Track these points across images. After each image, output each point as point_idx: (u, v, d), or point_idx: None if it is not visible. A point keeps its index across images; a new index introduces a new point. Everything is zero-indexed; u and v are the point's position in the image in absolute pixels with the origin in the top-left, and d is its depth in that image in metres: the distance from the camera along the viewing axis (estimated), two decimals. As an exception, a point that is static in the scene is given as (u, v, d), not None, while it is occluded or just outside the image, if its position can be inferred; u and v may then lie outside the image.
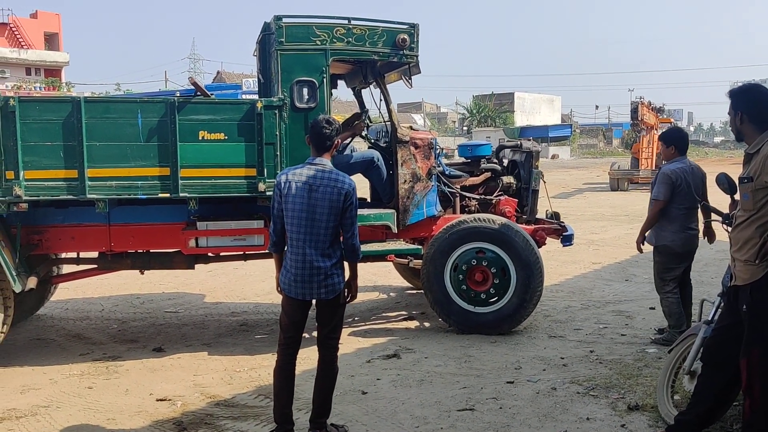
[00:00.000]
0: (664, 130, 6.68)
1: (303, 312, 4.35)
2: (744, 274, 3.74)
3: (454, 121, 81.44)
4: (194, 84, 6.54)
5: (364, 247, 6.62)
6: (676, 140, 6.25)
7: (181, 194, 5.96)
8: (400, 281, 9.57)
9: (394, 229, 6.78)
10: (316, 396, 4.35)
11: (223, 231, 6.36)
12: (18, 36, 51.61)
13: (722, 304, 4.27)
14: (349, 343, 6.49)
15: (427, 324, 7.40)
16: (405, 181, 6.81)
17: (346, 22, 6.40)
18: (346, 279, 4.36)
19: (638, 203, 18.77)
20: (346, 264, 4.37)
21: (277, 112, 6.13)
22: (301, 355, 4.49)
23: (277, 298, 8.36)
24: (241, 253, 6.91)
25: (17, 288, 5.94)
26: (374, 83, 7.27)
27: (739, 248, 3.77)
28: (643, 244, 6.28)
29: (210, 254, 6.84)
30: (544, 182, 7.75)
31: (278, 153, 6.12)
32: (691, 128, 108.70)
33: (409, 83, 6.96)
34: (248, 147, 6.07)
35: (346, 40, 6.38)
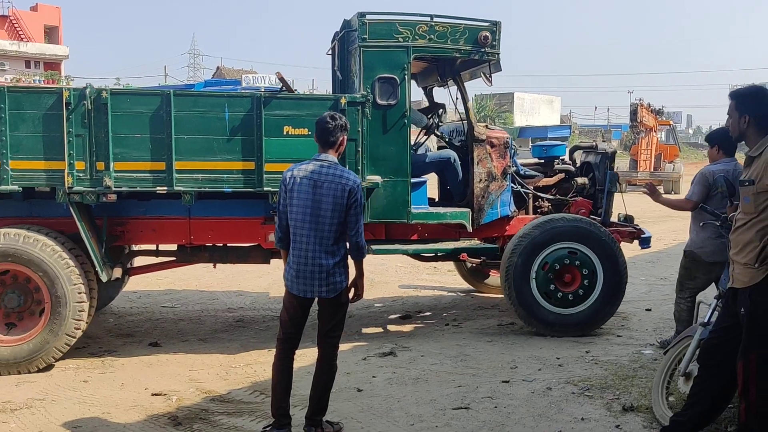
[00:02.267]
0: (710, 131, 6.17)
1: (303, 309, 4.33)
2: (743, 277, 3.73)
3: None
4: (281, 79, 6.52)
5: (442, 245, 6.84)
6: (720, 140, 5.70)
7: (265, 188, 5.99)
8: (397, 279, 9.58)
9: (469, 228, 6.75)
10: (314, 393, 4.34)
11: None
12: (18, 29, 51.48)
13: (719, 306, 4.27)
14: (345, 341, 6.43)
15: (423, 322, 7.40)
16: (480, 180, 6.78)
17: (428, 19, 6.42)
18: (349, 278, 4.32)
19: (636, 205, 18.76)
20: (352, 263, 4.33)
21: (359, 108, 6.17)
22: (299, 351, 4.49)
23: (274, 294, 8.41)
24: None
25: (104, 278, 6.04)
26: (451, 81, 7.23)
27: (738, 251, 3.76)
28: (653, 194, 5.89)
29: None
30: (620, 184, 7.61)
31: (359, 149, 6.16)
32: (690, 131, 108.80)
33: (489, 81, 6.96)
34: None
35: (428, 37, 6.39)
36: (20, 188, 5.75)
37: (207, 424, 4.64)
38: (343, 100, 6.09)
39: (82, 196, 5.81)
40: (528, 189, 7.32)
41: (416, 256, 7.39)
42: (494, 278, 8.45)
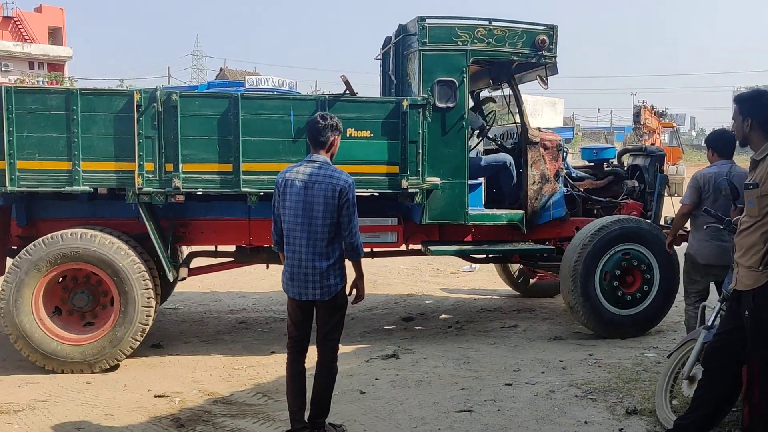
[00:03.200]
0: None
1: (304, 312, 4.28)
2: (747, 279, 3.72)
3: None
4: (345, 82, 6.61)
5: (500, 246, 6.90)
6: (713, 142, 5.70)
7: None
8: (400, 281, 9.58)
9: (524, 230, 6.80)
10: (315, 396, 4.31)
11: (360, 228, 6.41)
12: (22, 30, 51.60)
13: (723, 309, 4.26)
14: (348, 343, 6.48)
15: (426, 325, 7.39)
16: (534, 182, 6.85)
17: (486, 23, 6.51)
18: (346, 280, 4.28)
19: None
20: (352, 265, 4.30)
21: (420, 111, 6.22)
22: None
23: (277, 296, 8.40)
24: (369, 250, 6.91)
25: (171, 277, 6.17)
26: (505, 84, 7.31)
27: (743, 254, 3.76)
28: (671, 249, 5.94)
29: None
30: (668, 187, 7.63)
31: (420, 151, 6.22)
32: (693, 133, 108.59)
33: (545, 84, 7.03)
34: (392, 145, 6.17)
35: (486, 40, 6.48)
36: (91, 189, 5.84)
37: (210, 426, 4.64)
38: (405, 103, 6.16)
39: (151, 196, 5.88)
40: (579, 191, 7.36)
41: (466, 256, 7.50)
42: (540, 282, 8.62)
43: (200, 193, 6.17)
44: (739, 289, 3.79)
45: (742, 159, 6.79)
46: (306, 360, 4.36)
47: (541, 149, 6.87)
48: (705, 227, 5.30)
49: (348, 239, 4.19)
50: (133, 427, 4.64)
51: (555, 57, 6.72)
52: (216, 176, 5.93)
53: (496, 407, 4.86)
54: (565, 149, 7.21)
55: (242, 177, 5.92)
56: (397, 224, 6.54)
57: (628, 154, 8.14)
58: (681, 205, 5.69)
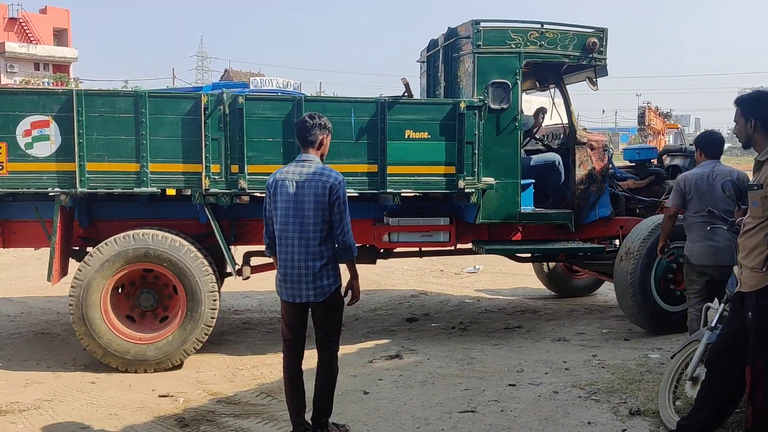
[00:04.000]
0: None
1: (298, 314, 4.24)
2: (750, 281, 3.72)
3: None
4: (406, 85, 6.79)
5: (551, 245, 6.98)
6: (700, 143, 5.80)
7: (388, 190, 6.16)
8: (403, 281, 9.58)
9: (572, 229, 6.87)
10: (316, 397, 4.30)
11: (414, 227, 6.62)
12: (27, 31, 51.78)
13: (726, 310, 4.26)
14: (351, 343, 6.50)
15: (429, 325, 7.40)
16: (581, 181, 6.94)
17: (539, 25, 6.64)
18: (340, 281, 4.24)
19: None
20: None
21: (477, 112, 6.32)
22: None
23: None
24: (417, 249, 7.19)
25: (235, 277, 6.35)
26: (554, 86, 7.43)
27: (746, 255, 3.76)
28: (663, 253, 5.87)
29: (387, 249, 7.02)
30: None
31: (476, 152, 6.32)
32: (698, 134, 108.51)
33: (595, 85, 7.13)
34: (449, 146, 6.27)
35: (539, 43, 6.61)
36: (159, 190, 5.92)
37: (213, 426, 4.65)
38: (462, 105, 6.25)
39: (217, 197, 5.95)
40: (625, 191, 7.43)
41: (512, 256, 7.66)
42: (579, 281, 8.79)
43: (251, 194, 6.20)
44: (742, 291, 3.79)
45: (745, 160, 6.75)
46: (303, 361, 4.35)
47: (588, 149, 6.97)
48: (709, 228, 5.30)
49: (340, 238, 4.15)
50: (137, 427, 4.65)
51: (605, 59, 6.85)
52: None
53: (500, 408, 4.86)
54: (611, 149, 7.30)
55: None
56: (449, 224, 6.66)
57: (667, 155, 8.25)
58: (666, 208, 5.76)
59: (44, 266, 10.35)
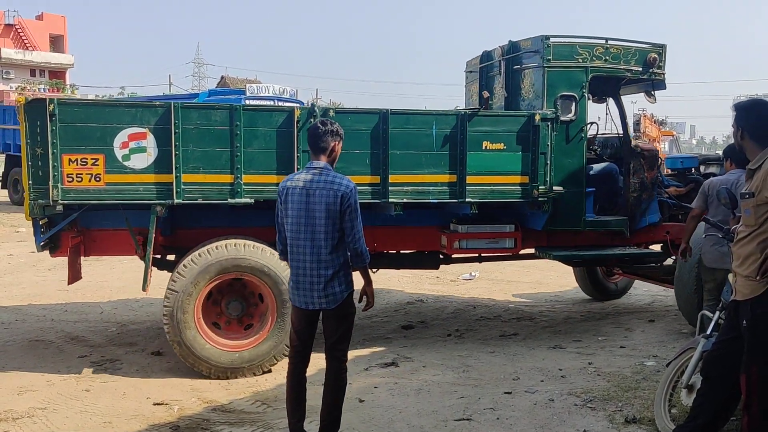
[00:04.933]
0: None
1: (308, 322, 4.23)
2: (745, 289, 3.73)
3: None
4: (486, 98, 7.10)
5: (612, 251, 7.25)
6: (729, 153, 5.96)
7: (467, 199, 6.36)
8: (400, 289, 9.57)
9: (628, 235, 7.11)
10: (324, 408, 4.25)
11: (482, 234, 6.84)
12: (23, 37, 51.80)
13: (722, 318, 4.27)
14: (347, 351, 6.47)
15: (425, 333, 7.39)
16: (634, 189, 7.21)
17: (604, 41, 6.95)
18: (352, 287, 4.24)
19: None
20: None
21: (549, 124, 6.58)
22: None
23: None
24: (476, 255, 7.46)
25: None
26: (611, 98, 7.66)
27: (740, 263, 3.77)
28: (686, 256, 5.93)
29: (446, 255, 7.25)
30: None
31: (548, 162, 6.56)
32: (694, 141, 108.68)
33: (653, 99, 7.41)
34: (524, 156, 6.52)
35: (604, 58, 6.92)
36: (253, 201, 5.98)
37: (208, 434, 4.63)
38: (537, 117, 6.50)
39: None
40: (670, 197, 7.64)
41: (568, 261, 7.87)
42: (614, 284, 9.07)
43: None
44: (737, 299, 3.80)
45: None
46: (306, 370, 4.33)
47: (641, 159, 7.24)
48: (704, 236, 5.46)
49: (352, 245, 4.14)
50: (131, 435, 4.63)
51: (664, 74, 7.17)
52: (365, 187, 6.15)
53: (495, 416, 4.86)
54: (660, 159, 7.59)
55: (390, 188, 6.19)
56: (515, 231, 6.87)
57: (705, 163, 8.53)
58: (690, 211, 6.02)
59: (39, 273, 10.35)
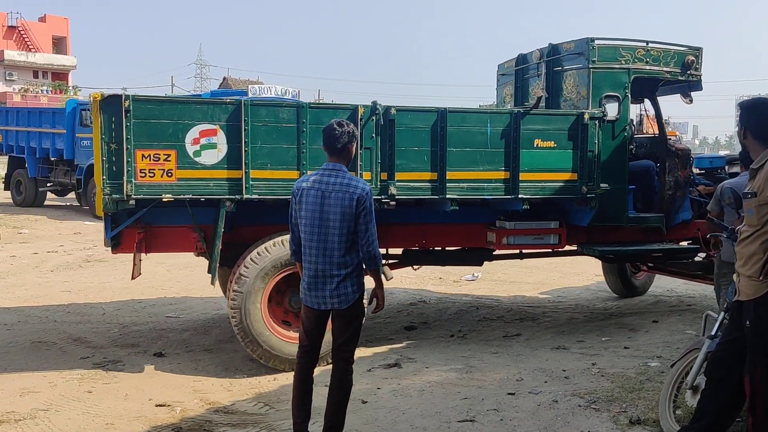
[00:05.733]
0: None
1: (318, 322, 4.25)
2: (748, 289, 3.71)
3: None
4: (539, 98, 7.27)
5: (649, 246, 7.45)
6: (744, 159, 5.96)
7: (520, 195, 6.53)
8: (402, 289, 9.55)
9: (665, 231, 7.35)
10: (328, 410, 4.24)
11: (529, 230, 7.06)
12: (26, 39, 51.87)
13: (726, 319, 4.24)
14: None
15: (428, 334, 7.37)
16: (669, 187, 7.43)
17: (645, 44, 7.22)
18: (363, 289, 4.25)
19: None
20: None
21: (597, 123, 6.75)
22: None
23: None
24: (517, 252, 7.65)
25: (386, 279, 6.49)
26: (647, 99, 7.90)
27: (743, 263, 3.75)
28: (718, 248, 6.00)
29: (488, 251, 7.44)
30: None
31: (595, 159, 6.74)
32: (696, 141, 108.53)
33: (689, 99, 7.65)
34: (573, 154, 6.70)
35: (645, 60, 7.17)
36: None
37: (211, 436, 4.62)
38: (586, 116, 6.67)
39: None
40: (701, 196, 7.79)
41: (602, 257, 7.94)
42: (638, 281, 9.29)
43: (400, 199, 6.46)
44: (740, 299, 3.78)
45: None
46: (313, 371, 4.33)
47: (675, 158, 7.45)
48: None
49: (365, 248, 4.13)
50: (133, 437, 4.62)
51: (701, 75, 7.41)
52: (424, 184, 6.34)
53: (499, 417, 4.83)
54: (692, 158, 7.82)
55: (447, 185, 6.33)
56: (558, 227, 7.06)
57: (731, 163, 8.61)
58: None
59: (41, 274, 10.35)
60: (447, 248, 7.46)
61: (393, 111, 6.16)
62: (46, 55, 51.49)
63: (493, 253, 7.46)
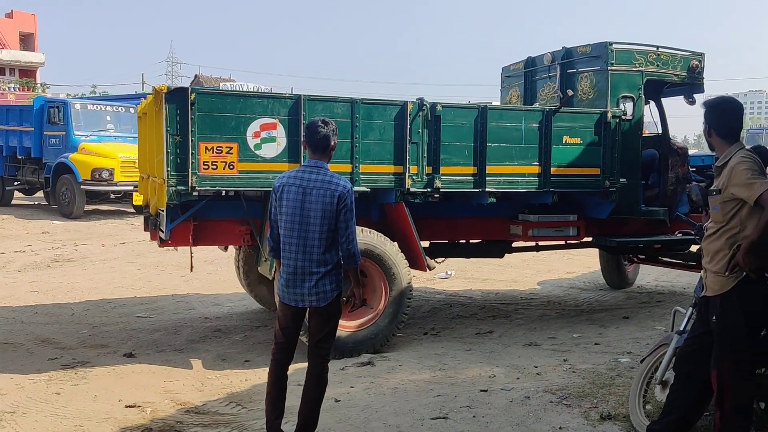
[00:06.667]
0: None
1: (294, 320, 4.24)
2: (714, 285, 3.78)
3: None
4: (569, 97, 7.53)
5: (660, 237, 7.84)
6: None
7: (551, 189, 6.94)
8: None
9: (669, 224, 7.70)
10: (302, 408, 4.23)
11: (551, 223, 7.41)
12: (-8, 35, 50.84)
13: (694, 314, 4.30)
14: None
15: (401, 331, 7.36)
16: (671, 183, 7.87)
17: (655, 48, 7.67)
18: (341, 288, 4.25)
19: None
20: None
21: (618, 121, 7.20)
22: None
23: (251, 304, 8.32)
24: (534, 244, 8.14)
25: (428, 268, 7.06)
26: (652, 100, 8.20)
27: (710, 259, 3.82)
28: None
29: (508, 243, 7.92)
30: None
31: (616, 155, 7.16)
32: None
33: (689, 99, 8.08)
34: (597, 150, 7.13)
35: (656, 64, 7.64)
36: (368, 189, 6.32)
37: (182, 437, 4.57)
38: (609, 114, 7.12)
39: (415, 196, 6.50)
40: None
41: (612, 249, 8.41)
42: (630, 273, 9.68)
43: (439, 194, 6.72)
44: (707, 295, 3.84)
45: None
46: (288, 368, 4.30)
47: (676, 156, 7.94)
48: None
49: (345, 245, 4.13)
50: (103, 439, 4.55)
51: (703, 79, 7.93)
52: (466, 178, 6.66)
53: (472, 414, 4.85)
54: (689, 156, 8.35)
55: (487, 178, 6.66)
56: (578, 220, 7.45)
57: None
58: None
59: (8, 275, 10.17)
60: (471, 241, 7.87)
61: (439, 107, 6.45)
62: (13, 52, 50.47)
63: (512, 245, 7.89)
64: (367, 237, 6.29)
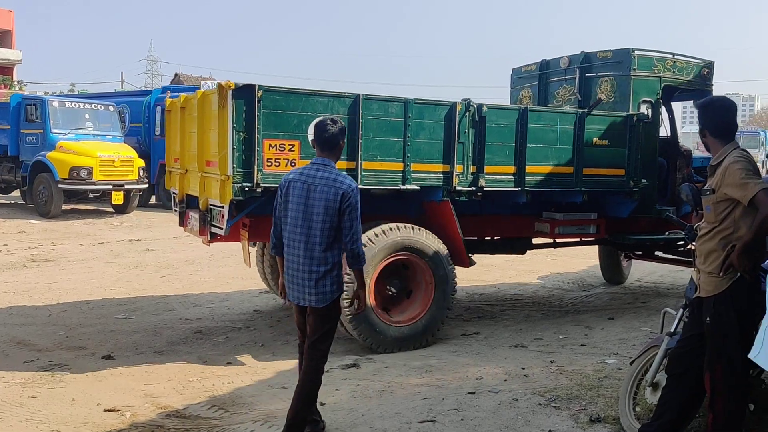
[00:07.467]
0: None
1: (303, 316, 4.27)
2: (708, 286, 3.75)
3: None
4: (598, 101, 7.71)
5: (672, 235, 7.70)
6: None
7: (582, 189, 7.22)
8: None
9: (680, 223, 7.70)
10: (293, 407, 4.18)
11: (575, 221, 7.72)
12: (-32, 32, 50.09)
13: (686, 316, 4.26)
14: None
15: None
16: (678, 183, 8.13)
17: (671, 56, 8.05)
18: (343, 289, 4.25)
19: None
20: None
21: (640, 123, 7.52)
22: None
23: (233, 305, 8.21)
24: (551, 241, 8.36)
25: (470, 264, 7.14)
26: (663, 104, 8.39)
27: (703, 260, 3.79)
28: None
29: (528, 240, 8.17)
30: None
31: (639, 156, 7.49)
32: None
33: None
34: (621, 151, 7.45)
35: (672, 70, 8.00)
36: (419, 188, 6.45)
37: (163, 442, 4.45)
38: (634, 118, 7.47)
39: (458, 194, 6.65)
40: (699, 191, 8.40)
41: (620, 245, 8.72)
42: (625, 270, 10.00)
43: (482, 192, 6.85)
44: (701, 296, 3.80)
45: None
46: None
47: (682, 158, 8.35)
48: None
49: (349, 245, 4.10)
50: (80, 444, 4.42)
51: (712, 85, 8.38)
52: (507, 177, 6.88)
53: (460, 417, 4.77)
54: (692, 157, 8.82)
55: (526, 178, 6.87)
56: (597, 218, 7.75)
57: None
58: None
59: (-17, 275, 9.90)
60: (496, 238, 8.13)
61: (485, 108, 6.64)
62: (-11, 49, 49.77)
63: (533, 242, 8.15)
64: (415, 233, 6.47)
